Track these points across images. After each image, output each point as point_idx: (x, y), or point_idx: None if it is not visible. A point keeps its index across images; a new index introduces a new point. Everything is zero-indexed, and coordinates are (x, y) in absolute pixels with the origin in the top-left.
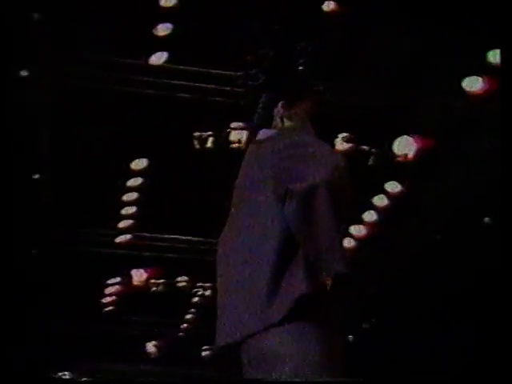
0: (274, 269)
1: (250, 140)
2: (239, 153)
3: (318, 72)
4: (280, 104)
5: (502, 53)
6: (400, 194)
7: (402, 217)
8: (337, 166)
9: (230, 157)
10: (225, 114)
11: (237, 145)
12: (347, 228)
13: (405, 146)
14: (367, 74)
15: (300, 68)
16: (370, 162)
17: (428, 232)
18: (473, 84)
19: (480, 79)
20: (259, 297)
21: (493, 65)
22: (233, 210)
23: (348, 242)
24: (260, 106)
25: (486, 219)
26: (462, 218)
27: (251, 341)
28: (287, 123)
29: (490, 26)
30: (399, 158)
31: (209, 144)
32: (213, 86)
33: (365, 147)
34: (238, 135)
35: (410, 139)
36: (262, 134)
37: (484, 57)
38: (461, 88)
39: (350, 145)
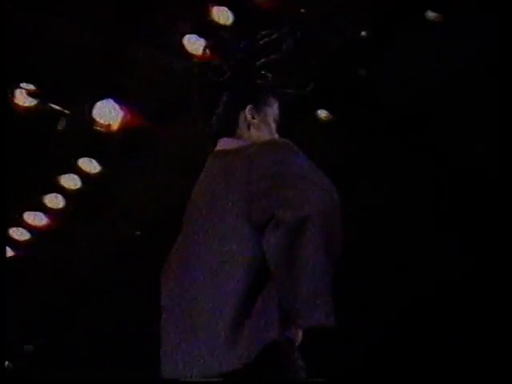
0: (239, 306)
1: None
2: None
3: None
4: (248, 108)
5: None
6: (97, 175)
7: (97, 205)
8: (330, 195)
9: None
10: None
11: None
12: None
13: (108, 113)
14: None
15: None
16: (60, 127)
17: (127, 226)
18: (195, 44)
19: (203, 39)
20: (219, 336)
21: (219, 24)
22: (188, 228)
23: (21, 234)
24: (220, 108)
25: None
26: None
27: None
28: (254, 132)
29: None
30: (99, 128)
31: None
32: None
33: (55, 106)
34: None
35: (116, 105)
36: (225, 143)
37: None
38: (182, 48)
39: (33, 100)
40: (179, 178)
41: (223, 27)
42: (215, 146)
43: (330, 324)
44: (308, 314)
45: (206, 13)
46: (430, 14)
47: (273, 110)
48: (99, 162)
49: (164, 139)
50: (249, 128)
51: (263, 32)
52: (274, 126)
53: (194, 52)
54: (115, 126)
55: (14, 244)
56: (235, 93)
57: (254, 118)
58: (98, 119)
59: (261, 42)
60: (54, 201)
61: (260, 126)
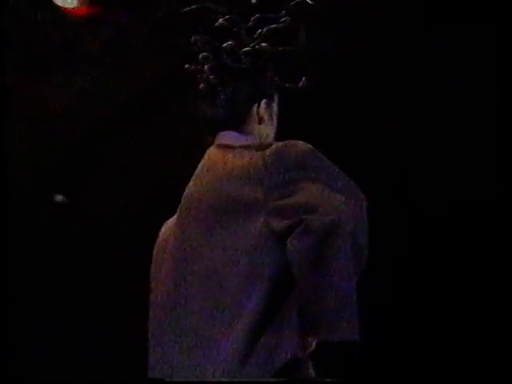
0: (256, 323)
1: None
2: None
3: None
4: (263, 102)
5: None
6: None
7: None
8: (358, 201)
9: None
10: None
11: None
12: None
13: None
14: None
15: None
16: None
17: None
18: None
19: None
20: (232, 352)
21: None
22: (187, 228)
23: None
24: (227, 97)
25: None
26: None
27: None
28: (263, 129)
29: None
30: None
31: None
32: None
33: None
34: None
35: None
36: (231, 137)
37: None
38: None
39: None
40: (38, 145)
41: None
42: (214, 137)
43: (354, 339)
44: (333, 327)
45: None
46: None
47: (276, 105)
48: None
49: (21, 98)
50: (260, 124)
51: (259, 15)
52: (275, 122)
53: (63, 5)
54: None
55: None
56: (253, 83)
57: (265, 113)
58: None
59: (265, 28)
60: None
61: (269, 122)
